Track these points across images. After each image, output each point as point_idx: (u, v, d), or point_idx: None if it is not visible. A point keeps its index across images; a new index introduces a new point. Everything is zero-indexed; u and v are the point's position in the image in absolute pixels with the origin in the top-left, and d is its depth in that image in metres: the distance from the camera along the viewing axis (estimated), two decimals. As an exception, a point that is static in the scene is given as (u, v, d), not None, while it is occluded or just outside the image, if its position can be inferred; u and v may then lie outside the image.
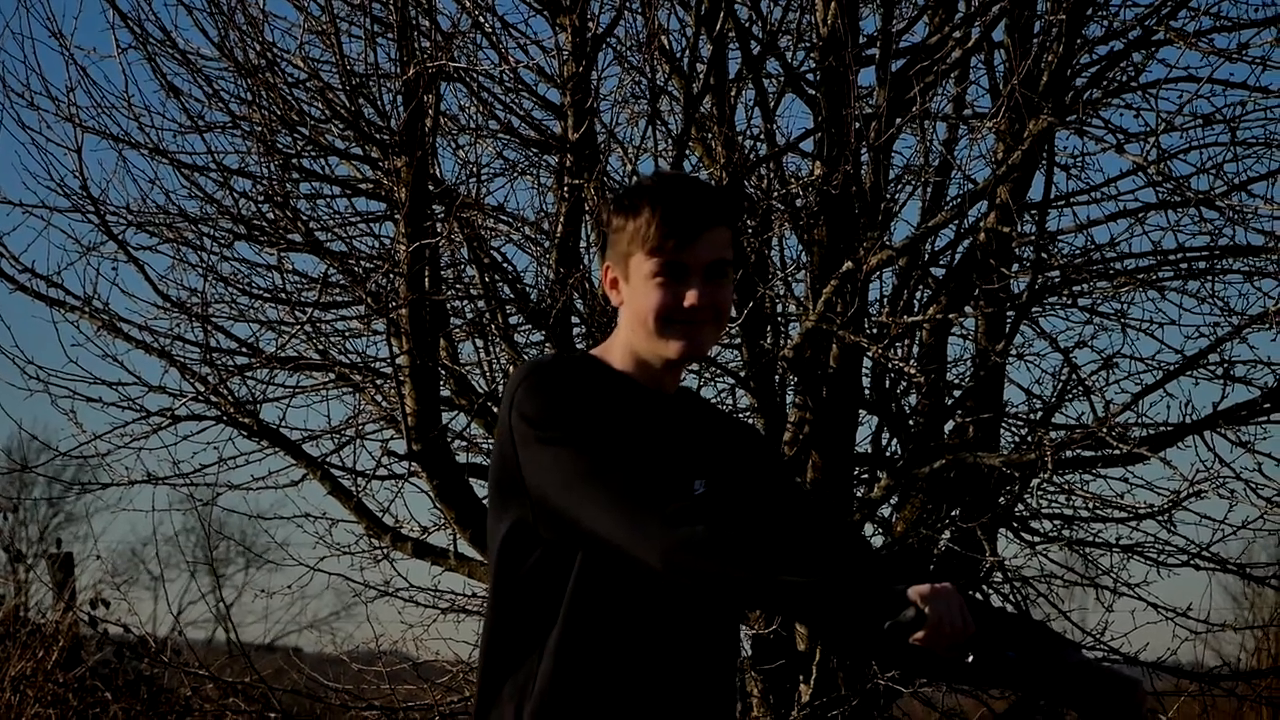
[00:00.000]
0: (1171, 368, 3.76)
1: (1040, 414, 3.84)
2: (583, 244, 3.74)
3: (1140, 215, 3.75)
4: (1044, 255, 3.76)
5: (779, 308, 3.87)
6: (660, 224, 1.53)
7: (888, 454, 3.92)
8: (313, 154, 3.85)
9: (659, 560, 1.41)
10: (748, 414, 3.80)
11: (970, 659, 1.43)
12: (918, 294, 3.85)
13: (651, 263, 1.54)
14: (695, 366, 3.91)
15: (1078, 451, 3.74)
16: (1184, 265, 3.79)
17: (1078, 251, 3.82)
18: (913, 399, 3.90)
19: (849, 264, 3.54)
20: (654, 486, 1.47)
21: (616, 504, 1.45)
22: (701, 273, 1.54)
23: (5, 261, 3.79)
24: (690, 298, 1.54)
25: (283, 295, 3.91)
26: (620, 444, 1.52)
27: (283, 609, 14.85)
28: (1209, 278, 3.79)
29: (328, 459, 3.86)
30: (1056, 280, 3.79)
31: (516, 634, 1.57)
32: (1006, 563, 3.84)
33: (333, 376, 3.90)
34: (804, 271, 3.80)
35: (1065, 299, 3.86)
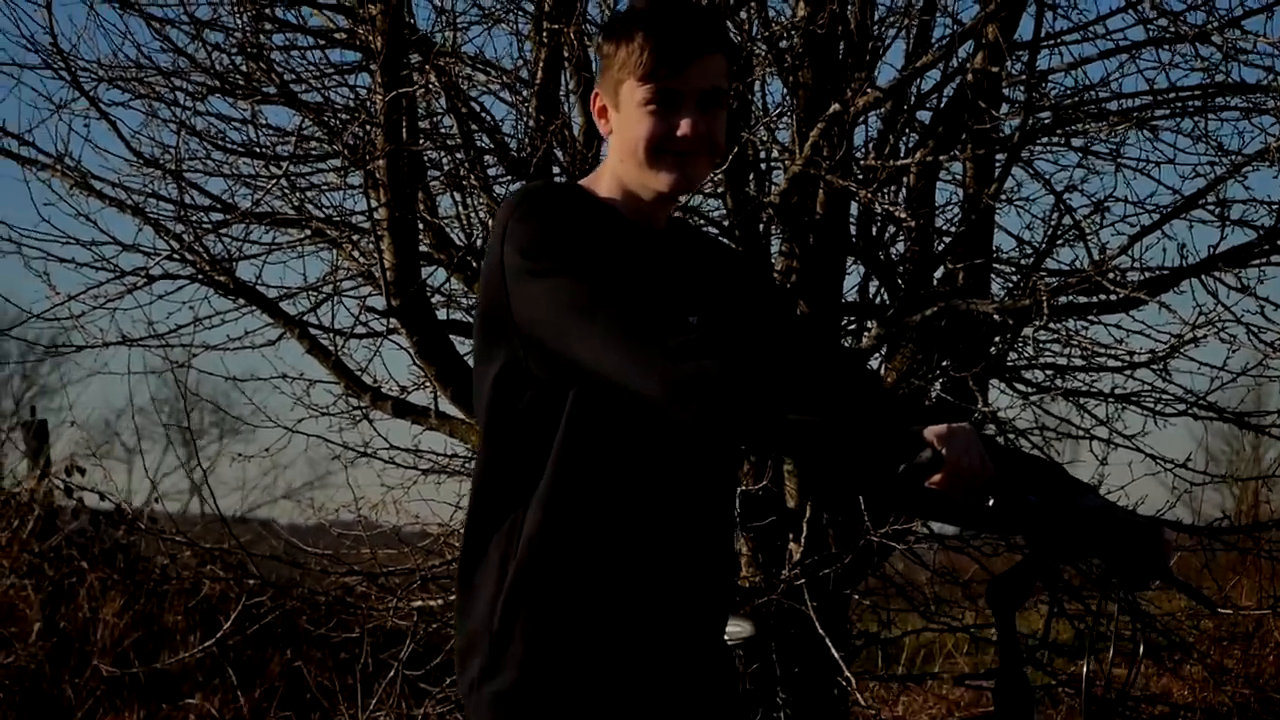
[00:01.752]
0: (1168, 209, 3.66)
1: (1033, 259, 3.75)
2: (562, 91, 3.68)
3: (1133, 52, 3.63)
4: (1034, 95, 3.65)
5: (764, 154, 3.79)
6: (653, 49, 1.45)
7: (876, 302, 3.84)
8: (286, 3, 3.77)
9: (663, 394, 1.33)
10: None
11: (990, 503, 1.37)
12: (905, 137, 3.76)
13: (643, 90, 1.46)
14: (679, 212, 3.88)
15: (1072, 297, 3.66)
16: (1179, 103, 3.69)
17: (1069, 91, 3.72)
18: (901, 245, 3.81)
19: (835, 106, 3.45)
20: (656, 318, 1.38)
21: (617, 336, 1.36)
22: (695, 101, 1.45)
23: None
24: (684, 126, 1.45)
25: (258, 149, 3.87)
26: (619, 273, 1.42)
27: (258, 478, 14.72)
28: (1204, 116, 3.69)
29: (305, 316, 3.82)
30: (1048, 121, 3.69)
31: (505, 485, 1.49)
32: (999, 414, 3.77)
33: (309, 232, 3.85)
34: (789, 116, 3.72)
35: (1057, 140, 3.75)
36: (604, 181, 1.57)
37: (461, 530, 1.69)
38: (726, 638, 1.77)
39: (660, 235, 1.58)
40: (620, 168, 1.54)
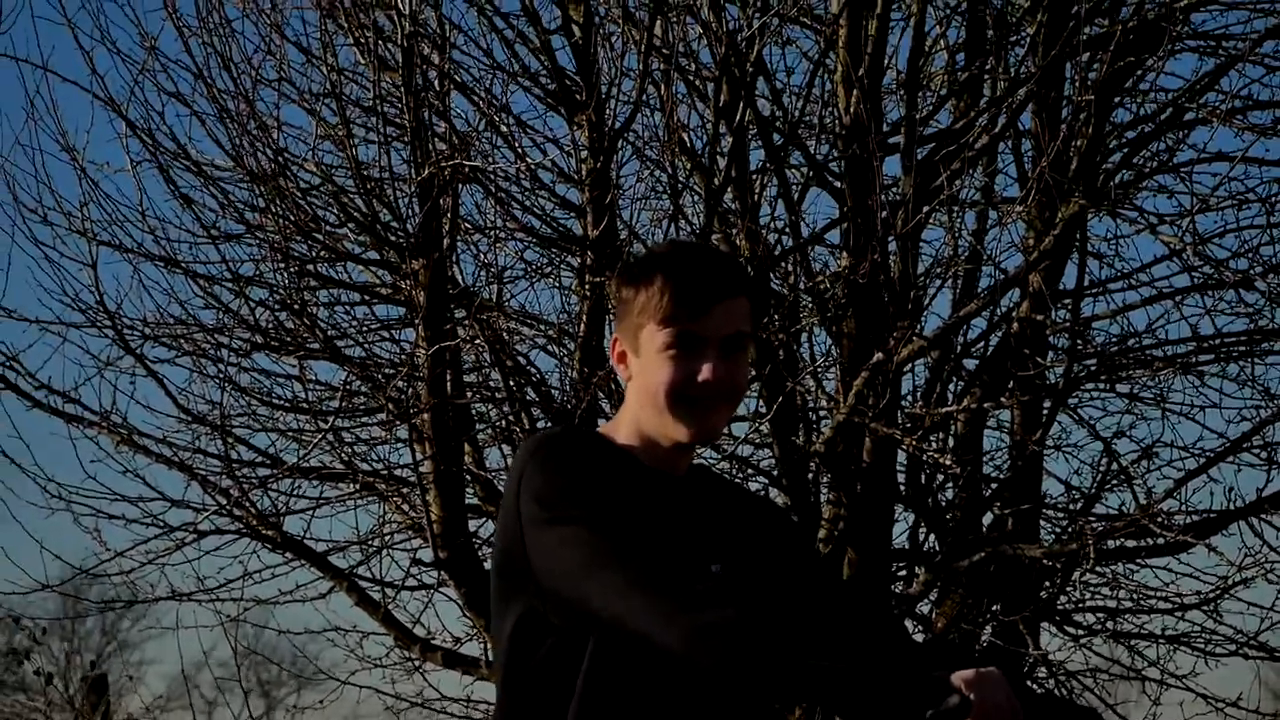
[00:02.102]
0: (1214, 454, 3.71)
1: (1080, 504, 3.79)
2: (606, 343, 3.71)
3: (1177, 299, 3.71)
4: (1079, 342, 3.71)
5: (809, 403, 3.80)
6: (674, 293, 1.43)
7: (925, 549, 3.87)
8: (329, 260, 3.80)
9: (683, 645, 1.31)
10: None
11: None
12: (951, 385, 3.79)
13: (664, 334, 1.44)
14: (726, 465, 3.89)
15: (1120, 541, 3.71)
16: (1223, 349, 3.74)
17: (1114, 338, 3.79)
18: (949, 492, 3.85)
19: (879, 355, 3.48)
20: (674, 567, 1.37)
21: (635, 586, 1.35)
22: (717, 346, 1.45)
23: (22, 379, 3.75)
24: (705, 372, 1.43)
25: (303, 404, 3.90)
26: (636, 522, 1.41)
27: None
28: (1249, 360, 3.74)
29: (355, 570, 3.83)
30: (1093, 368, 3.75)
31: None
32: (1050, 657, 3.78)
33: (357, 486, 3.85)
34: (834, 365, 3.75)
35: (1103, 386, 3.82)
36: (623, 428, 1.54)
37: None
38: None
39: (680, 482, 1.55)
40: (641, 414, 1.51)
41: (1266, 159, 3.66)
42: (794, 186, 3.76)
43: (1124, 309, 3.74)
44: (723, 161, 3.65)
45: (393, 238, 3.75)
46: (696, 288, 1.44)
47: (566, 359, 3.77)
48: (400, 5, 3.45)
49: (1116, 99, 3.60)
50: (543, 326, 3.85)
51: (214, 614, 3.95)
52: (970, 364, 3.84)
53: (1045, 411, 3.71)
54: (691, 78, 3.82)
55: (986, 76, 3.72)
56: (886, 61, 3.82)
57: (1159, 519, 3.55)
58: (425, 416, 3.65)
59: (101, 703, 4.70)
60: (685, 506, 1.52)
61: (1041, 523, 3.79)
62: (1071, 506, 3.82)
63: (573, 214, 3.81)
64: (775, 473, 3.74)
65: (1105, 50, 3.44)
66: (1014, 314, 3.67)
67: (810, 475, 3.76)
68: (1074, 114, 3.59)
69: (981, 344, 3.82)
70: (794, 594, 1.59)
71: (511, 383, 3.77)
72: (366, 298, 3.93)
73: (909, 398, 3.78)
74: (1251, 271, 3.63)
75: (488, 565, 4.17)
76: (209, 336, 3.82)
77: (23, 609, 5.40)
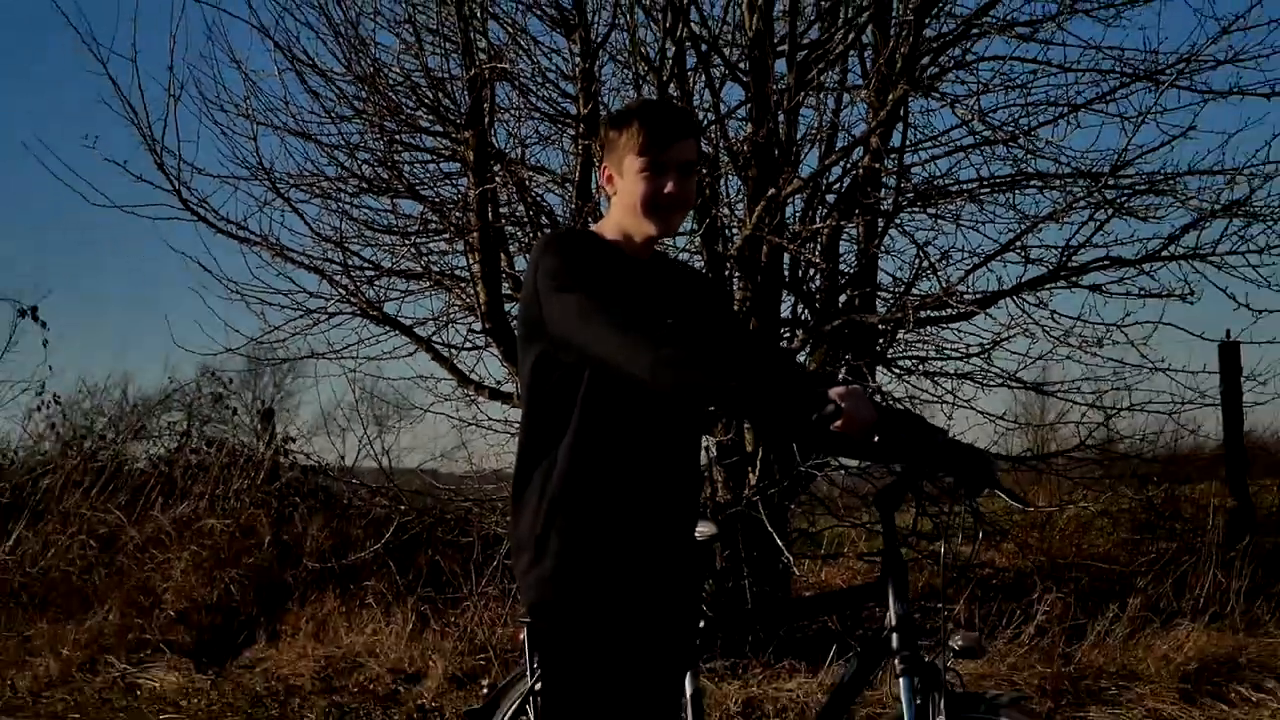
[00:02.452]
0: (991, 253, 5.36)
1: (903, 289, 5.55)
2: (592, 185, 5.49)
3: (966, 151, 5.43)
4: (902, 182, 5.45)
5: (726, 224, 5.60)
6: (646, 132, 1.82)
7: (802, 319, 5.67)
8: (409, 131, 5.45)
9: (647, 373, 1.66)
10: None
11: (876, 439, 1.70)
12: (819, 211, 5.55)
13: (640, 161, 1.82)
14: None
15: (929, 312, 5.48)
16: (998, 184, 5.48)
17: (926, 178, 5.51)
18: (817, 281, 5.62)
19: (772, 190, 5.11)
20: (643, 319, 1.71)
21: (615, 333, 1.70)
22: (676, 169, 1.83)
23: (210, 214, 5.37)
24: (669, 187, 1.82)
25: (395, 228, 5.64)
26: (617, 289, 1.77)
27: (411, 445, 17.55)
28: (1013, 191, 5.45)
29: (431, 337, 5.59)
30: (911, 197, 5.48)
31: (542, 437, 1.86)
32: (882, 388, 5.64)
33: (431, 282, 5.61)
34: (743, 198, 5.51)
35: (918, 209, 5.52)
36: (608, 228, 1.94)
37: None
38: (697, 535, 2.15)
39: (646, 264, 1.93)
40: (622, 218, 1.91)
41: (1023, 58, 5.27)
42: (716, 80, 5.33)
43: (932, 159, 5.45)
44: (669, 65, 5.07)
45: (451, 117, 5.22)
46: (663, 128, 1.82)
47: (566, 196, 5.56)
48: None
49: (927, 19, 5.29)
50: (551, 174, 5.67)
51: (340, 369, 5.78)
52: (831, 198, 5.53)
53: (880, 227, 5.41)
54: (648, 4, 5.27)
55: (841, 5, 5.48)
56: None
57: (954, 296, 5.29)
58: (474, 235, 5.19)
59: (268, 428, 6.57)
60: (650, 280, 1.92)
61: (877, 301, 5.58)
62: (897, 290, 5.61)
63: (569, 99, 5.38)
64: (705, 270, 5.57)
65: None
66: (859, 163, 5.31)
67: (726, 271, 5.59)
68: (899, 29, 5.16)
69: (839, 184, 5.47)
70: (721, 335, 2.01)
71: (530, 212, 5.55)
72: (435, 157, 5.60)
73: (792, 219, 5.57)
74: (1015, 132, 5.34)
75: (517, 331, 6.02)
76: (331, 184, 5.52)
77: (218, 366, 7.14)
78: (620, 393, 1.77)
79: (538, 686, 1.99)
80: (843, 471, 5.54)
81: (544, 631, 1.88)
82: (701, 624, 2.20)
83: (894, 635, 1.93)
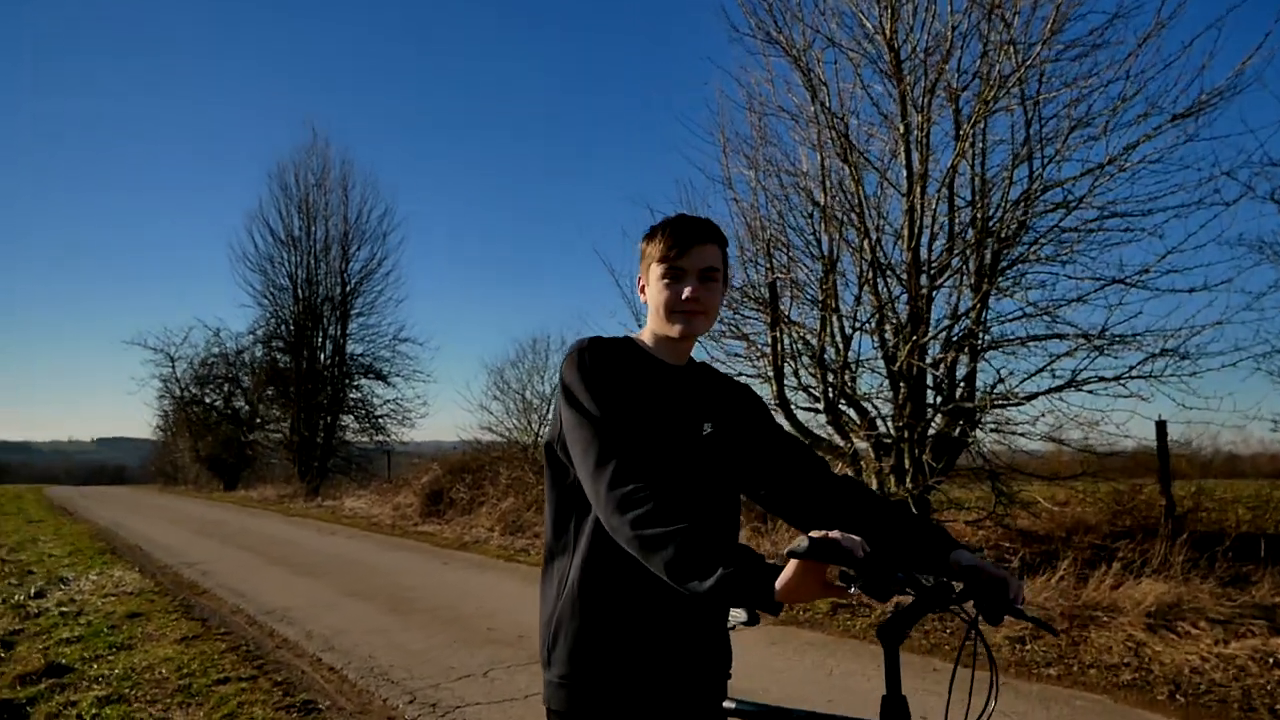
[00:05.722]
0: (1031, 372, 10.64)
1: (990, 388, 10.80)
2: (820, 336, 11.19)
3: (1022, 320, 10.78)
4: (985, 335, 10.85)
5: (894, 353, 11.10)
6: (668, 240, 1.99)
7: (935, 403, 10.97)
8: (740, 306, 11.47)
9: (607, 525, 1.79)
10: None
11: (853, 590, 1.64)
12: (948, 348, 10.96)
13: (660, 268, 1.97)
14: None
15: (1001, 402, 10.67)
16: (1034, 339, 10.74)
17: (1000, 335, 10.87)
18: (945, 384, 10.97)
19: (915, 338, 10.74)
20: (623, 472, 1.74)
21: (598, 480, 1.79)
22: (696, 275, 1.97)
23: None
24: (687, 293, 1.95)
25: (739, 355, 11.53)
26: (633, 406, 1.85)
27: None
28: (1044, 343, 10.69)
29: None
30: (990, 342, 10.86)
31: (562, 533, 2.02)
32: (979, 441, 10.78)
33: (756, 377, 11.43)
34: (898, 342, 11.06)
35: (995, 350, 10.89)
36: (646, 335, 2.09)
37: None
38: (730, 620, 2.24)
39: (682, 370, 2.05)
40: (654, 324, 2.04)
41: (1053, 271, 10.75)
42: (884, 287, 11.14)
43: (999, 322, 10.85)
44: (867, 273, 11.11)
45: (756, 299, 11.42)
46: (682, 235, 1.98)
47: (815, 342, 11.22)
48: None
49: (1004, 251, 10.81)
50: (807, 329, 11.35)
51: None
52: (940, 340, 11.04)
53: (976, 358, 10.83)
54: (862, 258, 11.30)
55: (954, 242, 11.03)
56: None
57: (1013, 394, 10.55)
58: (769, 359, 11.29)
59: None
60: (685, 386, 2.07)
61: (977, 394, 10.85)
62: (985, 389, 10.85)
63: (815, 304, 11.30)
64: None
65: None
66: (966, 327, 10.85)
67: (897, 381, 11.05)
68: (987, 255, 10.80)
69: (955, 334, 11.01)
70: (757, 444, 2.14)
71: (795, 348, 11.28)
72: (754, 318, 11.58)
73: (931, 353, 11.01)
74: (1049, 306, 10.67)
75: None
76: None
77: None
78: None
79: None
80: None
81: None
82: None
83: None
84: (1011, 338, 10.67)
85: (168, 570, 12.43)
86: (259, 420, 35.35)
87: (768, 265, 10.79)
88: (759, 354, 11.12)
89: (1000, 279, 10.54)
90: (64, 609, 9.64)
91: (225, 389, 37.09)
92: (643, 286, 2.08)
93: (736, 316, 11.06)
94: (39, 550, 15.35)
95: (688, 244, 2.00)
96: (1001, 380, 10.56)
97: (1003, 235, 10.24)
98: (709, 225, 2.09)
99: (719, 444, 2.08)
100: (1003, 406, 10.58)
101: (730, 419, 2.14)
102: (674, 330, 2.03)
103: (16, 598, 10.36)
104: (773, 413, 9.48)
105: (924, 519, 2.15)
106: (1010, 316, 10.71)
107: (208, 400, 37.58)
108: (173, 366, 37.91)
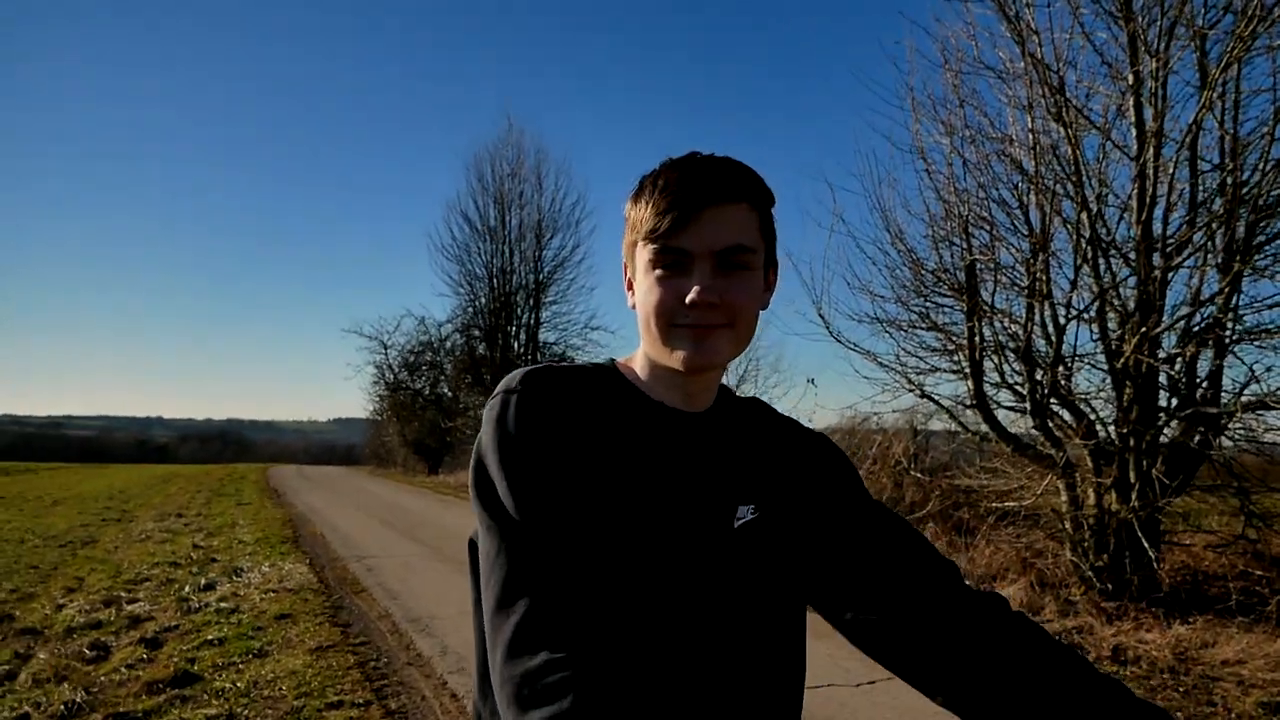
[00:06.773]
0: None
1: (1238, 391, 9.05)
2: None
3: None
4: (1237, 325, 9.09)
5: (1117, 348, 9.51)
6: (659, 199, 1.15)
7: (1169, 407, 9.33)
8: (934, 295, 10.21)
9: (496, 694, 1.12)
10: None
11: None
12: (1185, 340, 9.29)
13: (650, 250, 1.17)
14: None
15: (1257, 412, 8.94)
16: (1304, 328, 8.90)
17: (1254, 325, 9.08)
18: (1182, 385, 9.29)
19: (1144, 329, 9.16)
20: (530, 635, 1.08)
21: (491, 625, 1.14)
22: (711, 261, 1.15)
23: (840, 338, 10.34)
24: (694, 293, 1.14)
25: (933, 347, 10.32)
26: (553, 530, 1.10)
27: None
28: None
29: (950, 408, 10.11)
30: (1242, 333, 9.09)
31: (482, 638, 1.29)
32: (1223, 450, 9.08)
33: (952, 373, 10.16)
34: (1122, 332, 9.45)
35: (1246, 342, 9.10)
36: (638, 360, 1.28)
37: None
38: None
39: (697, 419, 1.27)
40: (644, 342, 1.25)
41: None
42: (1107, 267, 9.54)
43: (1253, 310, 9.04)
44: (1085, 247, 9.58)
45: (955, 286, 10.13)
46: (682, 194, 1.14)
47: (1020, 332, 9.81)
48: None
49: (1260, 222, 9.00)
50: (1012, 318, 9.93)
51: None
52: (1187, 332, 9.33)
53: (1223, 352, 9.10)
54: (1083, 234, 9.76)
55: (1197, 212, 9.29)
56: None
57: (1270, 397, 8.81)
58: (965, 351, 9.97)
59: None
60: (703, 446, 1.26)
61: (1222, 396, 9.11)
62: (1233, 390, 9.10)
63: (1020, 289, 9.86)
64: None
65: None
66: (1211, 314, 9.13)
67: (1121, 381, 9.45)
68: (1241, 227, 9.04)
69: (1198, 325, 9.28)
70: (835, 534, 1.34)
71: (997, 339, 9.91)
72: (950, 308, 10.28)
73: (1166, 348, 9.34)
74: None
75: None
76: (897, 324, 10.38)
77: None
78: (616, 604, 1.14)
79: None
80: None
81: None
82: None
83: None
84: (1270, 327, 8.91)
85: (337, 564, 12.41)
86: (461, 406, 36.35)
87: (965, 245, 9.48)
88: (955, 346, 9.79)
89: (1257, 257, 8.83)
90: (223, 603, 9.73)
91: (430, 375, 38.49)
92: (630, 281, 1.26)
93: (927, 304, 9.74)
94: (232, 536, 15.89)
95: (695, 206, 1.14)
96: (1256, 379, 8.87)
97: (1261, 204, 8.51)
98: (734, 171, 1.19)
99: (762, 539, 1.25)
100: (1258, 411, 8.85)
101: (785, 497, 1.30)
102: (674, 356, 1.20)
103: (187, 590, 10.56)
104: (964, 414, 9.43)
105: (1105, 680, 1.31)
106: (1269, 302, 8.97)
107: (415, 386, 39.11)
108: (385, 353, 39.69)
